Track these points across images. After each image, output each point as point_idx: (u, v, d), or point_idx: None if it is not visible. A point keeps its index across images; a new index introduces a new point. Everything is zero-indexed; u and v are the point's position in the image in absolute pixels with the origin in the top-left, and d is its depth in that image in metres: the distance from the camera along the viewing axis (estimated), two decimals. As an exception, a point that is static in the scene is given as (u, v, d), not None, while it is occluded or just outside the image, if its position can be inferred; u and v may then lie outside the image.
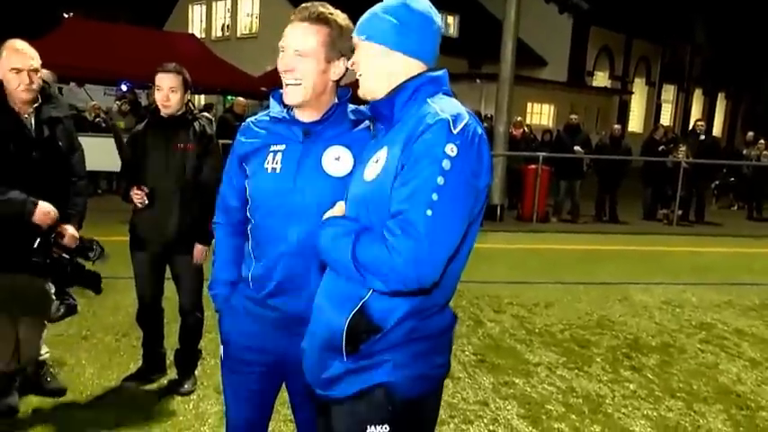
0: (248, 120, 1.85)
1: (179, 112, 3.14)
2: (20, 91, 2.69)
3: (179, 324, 3.41)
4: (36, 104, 2.80)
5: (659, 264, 7.55)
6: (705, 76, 31.36)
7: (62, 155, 2.94)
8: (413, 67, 1.47)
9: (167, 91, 3.07)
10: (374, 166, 1.42)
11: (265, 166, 1.73)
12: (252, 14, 24.85)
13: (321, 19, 1.65)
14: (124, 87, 13.01)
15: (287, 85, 1.68)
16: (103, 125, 10.79)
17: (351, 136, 1.71)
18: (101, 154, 6.82)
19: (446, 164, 1.30)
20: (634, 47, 29.07)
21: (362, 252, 1.32)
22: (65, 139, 2.97)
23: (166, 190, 3.12)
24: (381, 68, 1.48)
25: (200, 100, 20.38)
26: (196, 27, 26.44)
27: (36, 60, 2.72)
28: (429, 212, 1.28)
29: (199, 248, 3.20)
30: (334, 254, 1.39)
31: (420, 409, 1.47)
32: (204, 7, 26.69)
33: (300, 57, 1.65)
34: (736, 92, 34.50)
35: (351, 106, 1.76)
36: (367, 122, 1.71)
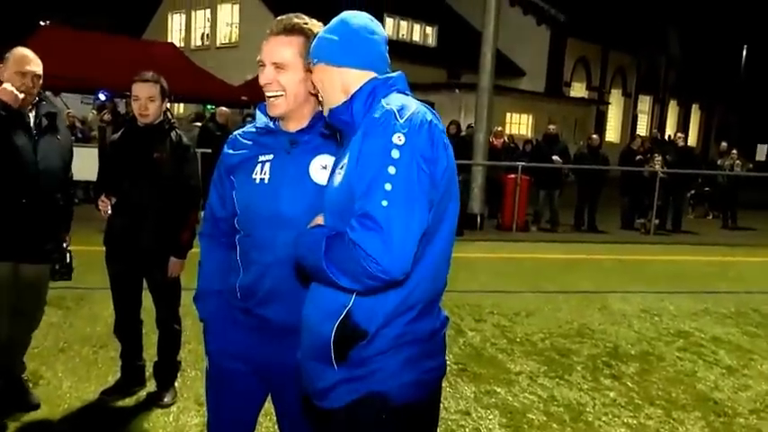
0: (235, 132, 1.87)
1: (156, 122, 3.12)
2: (20, 92, 2.82)
3: (157, 336, 3.37)
4: (34, 101, 2.94)
5: (637, 272, 7.66)
6: (679, 88, 32.02)
7: (63, 147, 3.04)
8: (364, 77, 1.51)
9: (145, 101, 3.05)
10: (340, 173, 1.45)
11: (253, 176, 1.73)
12: (231, 24, 24.77)
13: (296, 30, 1.67)
14: (102, 96, 12.86)
15: (269, 97, 1.70)
16: (80, 135, 10.65)
17: (337, 144, 1.71)
18: (78, 163, 6.70)
19: (395, 153, 1.33)
20: (610, 58, 29.57)
21: (332, 253, 1.34)
22: (65, 136, 3.10)
23: (142, 200, 3.09)
24: (336, 85, 1.52)
25: (180, 109, 20.26)
26: (175, 36, 26.27)
27: (40, 68, 2.90)
28: (384, 203, 1.30)
29: (174, 262, 3.16)
30: (309, 261, 1.40)
31: (415, 414, 1.47)
32: (183, 16, 26.55)
33: (279, 69, 1.67)
34: (709, 103, 35.28)
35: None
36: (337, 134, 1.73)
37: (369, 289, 1.34)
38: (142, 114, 3.08)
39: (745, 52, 30.60)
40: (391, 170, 1.31)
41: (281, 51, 1.66)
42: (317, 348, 1.45)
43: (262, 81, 1.69)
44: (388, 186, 1.30)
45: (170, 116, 3.25)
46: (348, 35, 1.50)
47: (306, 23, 1.69)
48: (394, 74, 1.53)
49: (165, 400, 3.29)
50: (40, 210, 2.92)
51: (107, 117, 11.45)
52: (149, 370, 3.46)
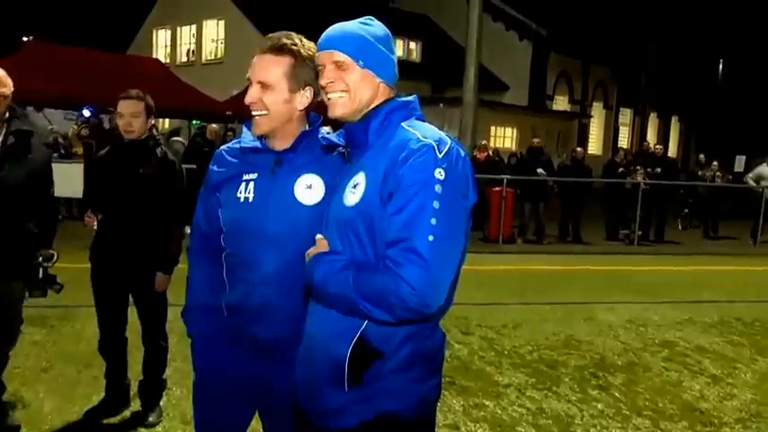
0: (221, 148, 1.86)
1: (141, 138, 3.12)
2: None
3: (143, 353, 3.32)
4: (5, 119, 2.86)
5: (622, 283, 7.72)
6: (659, 100, 32.55)
7: (33, 166, 2.93)
8: (385, 92, 1.52)
9: (129, 117, 3.07)
10: (354, 192, 1.43)
11: (238, 195, 1.73)
12: (217, 40, 24.81)
13: (285, 50, 1.67)
14: (87, 112, 12.76)
15: (254, 116, 1.70)
16: (63, 152, 10.56)
17: (322, 163, 1.71)
18: (61, 180, 6.63)
19: (438, 188, 1.33)
20: (591, 72, 30.01)
21: (365, 286, 1.33)
22: (40, 154, 2.97)
23: (128, 215, 3.08)
24: (368, 94, 1.50)
25: (165, 124, 20.18)
26: (161, 52, 26.25)
27: (8, 89, 2.84)
28: (431, 238, 1.30)
29: (161, 277, 3.15)
30: (332, 291, 1.39)
31: (423, 431, 1.47)
32: (169, 32, 26.54)
33: (265, 89, 1.67)
34: (688, 115, 35.88)
35: (323, 129, 1.77)
36: (339, 149, 1.72)
37: (401, 321, 1.34)
38: (127, 131, 3.09)
39: (721, 66, 31.25)
40: (436, 205, 1.32)
41: (268, 70, 1.66)
42: (325, 368, 1.43)
43: (247, 100, 1.70)
44: (433, 221, 1.31)
45: (155, 132, 3.26)
46: (391, 49, 1.53)
47: (295, 44, 1.68)
48: (410, 97, 1.54)
49: (151, 419, 3.25)
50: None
51: (84, 132, 11.34)
52: (134, 389, 3.41)
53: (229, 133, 11.86)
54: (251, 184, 1.72)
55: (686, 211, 13.61)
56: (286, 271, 1.65)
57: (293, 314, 1.66)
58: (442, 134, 1.43)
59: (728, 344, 5.24)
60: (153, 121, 3.20)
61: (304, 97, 1.71)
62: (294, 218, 1.67)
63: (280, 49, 1.67)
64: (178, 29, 26.09)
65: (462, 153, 1.41)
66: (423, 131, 1.43)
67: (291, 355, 1.62)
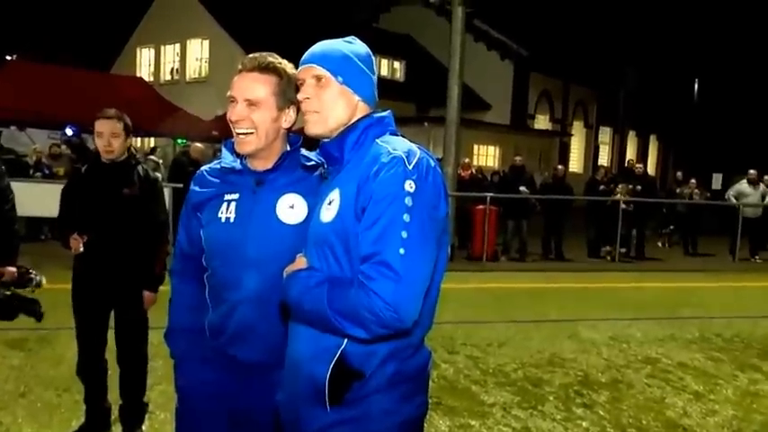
0: (202, 168, 1.86)
1: (122, 158, 3.11)
2: None
3: (120, 375, 3.27)
4: None
5: (604, 300, 7.78)
6: (637, 119, 33.15)
7: None
8: (363, 111, 1.53)
9: (109, 137, 3.04)
10: (329, 208, 1.43)
11: (219, 215, 1.73)
12: (201, 58, 24.82)
13: (271, 68, 1.68)
14: (69, 131, 12.65)
15: (239, 134, 1.69)
16: (45, 171, 10.45)
17: (304, 183, 1.72)
18: (44, 199, 6.58)
19: (408, 200, 1.33)
20: (571, 91, 30.50)
21: (338, 301, 1.32)
22: None
23: (110, 236, 3.06)
24: (345, 111, 1.51)
25: (150, 143, 20.09)
26: (144, 71, 26.18)
27: None
28: (402, 251, 1.30)
29: (147, 295, 3.13)
30: (307, 307, 1.38)
31: None
32: (153, 51, 26.52)
33: (252, 106, 1.67)
34: (666, 133, 36.55)
35: (302, 151, 1.79)
36: (320, 169, 1.74)
37: (376, 337, 1.33)
38: (107, 151, 3.06)
39: (696, 85, 31.97)
40: (406, 218, 1.32)
41: (255, 88, 1.67)
42: (307, 390, 1.42)
43: (233, 117, 1.68)
44: (404, 234, 1.31)
45: (135, 151, 3.25)
46: (370, 68, 1.54)
47: (280, 63, 1.70)
48: (385, 113, 1.54)
49: (132, 443, 3.20)
50: None
51: (55, 150, 11.23)
52: (115, 413, 3.35)
53: (218, 153, 11.82)
54: (233, 205, 1.72)
55: (671, 227, 13.79)
56: (268, 291, 1.64)
57: (275, 335, 1.65)
58: (413, 146, 1.44)
59: (709, 360, 5.29)
60: (131, 141, 3.19)
61: (289, 116, 1.72)
62: (276, 237, 1.67)
63: (266, 68, 1.68)
64: (162, 47, 26.07)
65: (432, 163, 1.42)
66: (393, 145, 1.44)
67: (274, 376, 1.61)
